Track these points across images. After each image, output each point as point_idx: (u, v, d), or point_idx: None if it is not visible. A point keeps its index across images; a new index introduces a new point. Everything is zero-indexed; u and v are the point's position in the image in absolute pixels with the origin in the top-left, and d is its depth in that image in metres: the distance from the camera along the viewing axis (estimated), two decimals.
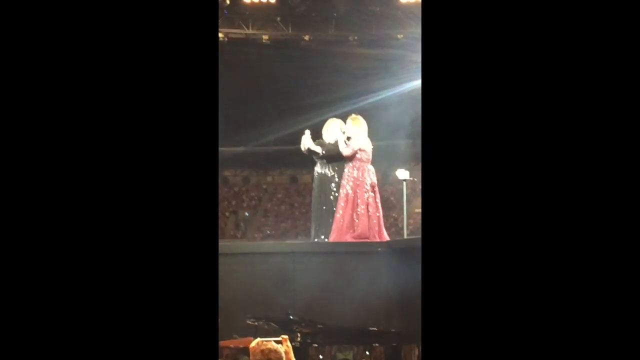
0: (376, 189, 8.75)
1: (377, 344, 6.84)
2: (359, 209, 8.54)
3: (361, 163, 8.69)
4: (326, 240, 8.67)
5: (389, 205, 21.98)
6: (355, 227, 8.48)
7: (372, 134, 9.10)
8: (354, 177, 8.64)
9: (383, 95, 21.15)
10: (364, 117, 8.94)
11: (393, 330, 7.11)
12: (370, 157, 8.75)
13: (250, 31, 23.41)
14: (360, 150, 8.67)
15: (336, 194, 8.76)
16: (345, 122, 8.88)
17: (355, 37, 22.96)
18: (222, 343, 6.84)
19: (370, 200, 8.59)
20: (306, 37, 23.19)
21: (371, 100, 20.74)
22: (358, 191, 8.59)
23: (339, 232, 8.53)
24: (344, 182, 8.68)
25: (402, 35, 21.52)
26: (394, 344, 6.87)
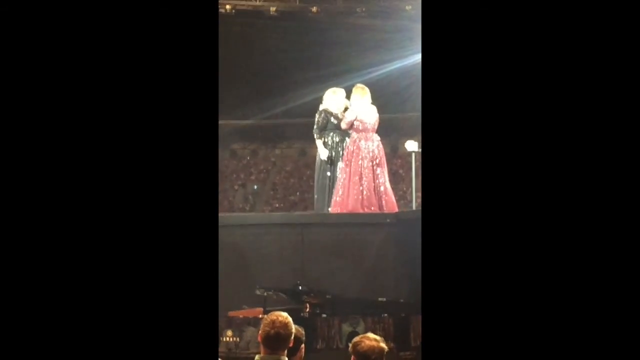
0: (379, 160, 8.70)
1: (385, 315, 6.86)
2: (351, 182, 8.52)
3: (358, 134, 8.64)
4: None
5: (398, 177, 21.97)
6: (348, 201, 8.47)
7: (380, 106, 9.07)
8: (349, 149, 8.63)
9: (391, 67, 21.03)
10: (372, 90, 8.90)
11: (402, 300, 7.14)
12: (371, 128, 8.69)
13: (258, 2, 23.34)
14: (357, 120, 8.63)
15: (337, 166, 8.76)
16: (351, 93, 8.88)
17: (363, 9, 22.86)
18: (231, 313, 6.89)
19: (366, 172, 8.54)
20: (314, 9, 23.09)
21: (379, 72, 20.63)
22: (353, 163, 8.57)
23: (334, 204, 8.55)
24: (343, 153, 8.70)
25: (410, 7, 21.39)
26: (403, 315, 6.89)
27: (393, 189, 8.93)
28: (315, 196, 9.00)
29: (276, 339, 3.93)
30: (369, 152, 8.58)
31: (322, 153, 8.87)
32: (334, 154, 8.82)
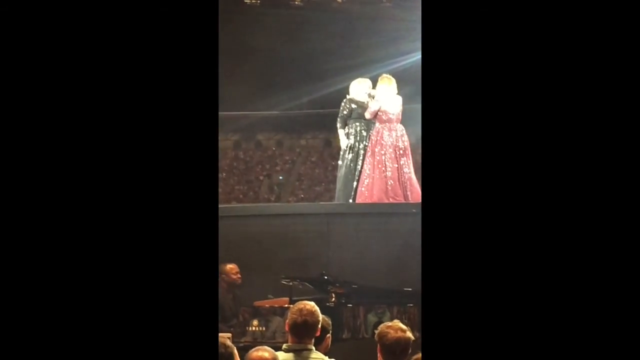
0: (403, 150, 8.67)
1: (411, 304, 6.85)
2: (375, 172, 8.53)
3: (382, 124, 8.64)
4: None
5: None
6: (373, 191, 8.48)
7: (406, 97, 9.05)
8: (373, 139, 8.63)
9: (417, 58, 20.94)
10: (398, 80, 8.88)
11: None
12: (395, 118, 8.68)
13: None
14: (381, 110, 8.62)
15: (361, 156, 8.77)
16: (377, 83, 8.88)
17: None
18: (257, 303, 6.92)
19: (390, 162, 8.53)
20: None
21: (405, 62, 20.54)
22: (377, 153, 8.57)
23: (359, 194, 8.56)
24: (367, 143, 8.70)
25: None
26: None
27: (419, 179, 8.91)
28: (340, 186, 9.01)
29: (304, 327, 3.96)
30: (392, 142, 8.58)
31: (343, 142, 8.90)
32: (358, 143, 8.81)
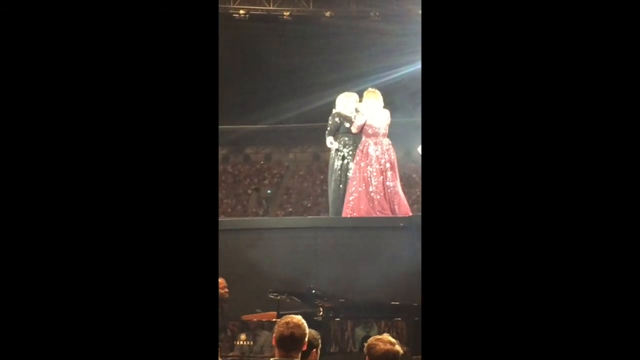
0: (390, 164, 8.69)
1: (399, 318, 6.85)
2: (361, 186, 8.53)
3: (368, 138, 8.66)
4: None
5: (412, 182, 21.93)
6: (360, 205, 8.48)
7: (394, 110, 9.06)
8: (359, 153, 8.64)
9: (405, 71, 21.02)
10: (385, 94, 8.90)
11: (415, 304, 7.12)
12: (381, 132, 8.69)
13: (271, 7, 23.39)
14: (367, 125, 8.64)
15: (349, 170, 8.77)
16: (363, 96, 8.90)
17: (377, 13, 22.85)
18: (244, 317, 6.90)
19: (375, 176, 8.54)
20: (327, 14, 23.12)
21: (393, 76, 20.62)
22: (362, 167, 8.57)
23: (346, 208, 8.56)
24: (356, 157, 8.72)
25: None
26: (416, 318, 6.88)
27: (407, 192, 8.92)
28: (331, 200, 9.01)
29: (291, 340, 3.94)
30: (377, 156, 8.58)
31: (329, 144, 8.88)
32: (346, 157, 8.82)
